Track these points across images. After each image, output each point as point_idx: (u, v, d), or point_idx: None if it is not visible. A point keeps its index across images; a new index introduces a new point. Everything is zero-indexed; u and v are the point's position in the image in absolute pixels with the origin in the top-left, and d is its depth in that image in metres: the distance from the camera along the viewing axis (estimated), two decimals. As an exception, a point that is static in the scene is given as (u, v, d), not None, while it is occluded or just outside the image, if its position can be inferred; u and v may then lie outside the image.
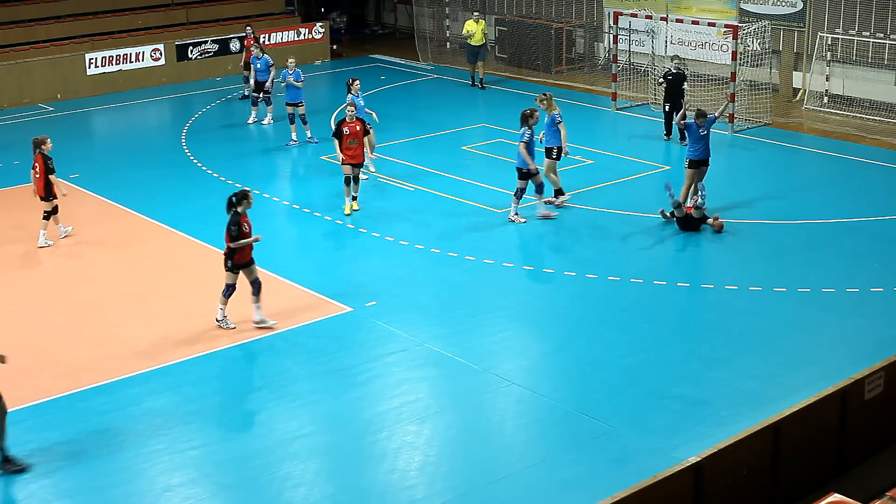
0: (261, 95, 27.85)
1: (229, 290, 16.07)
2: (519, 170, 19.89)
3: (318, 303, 17.12)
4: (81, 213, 22.03)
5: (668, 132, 25.75)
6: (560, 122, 20.64)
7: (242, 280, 15.97)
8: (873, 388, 11.62)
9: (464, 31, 31.93)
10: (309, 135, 26.15)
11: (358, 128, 20.78)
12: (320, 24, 36.76)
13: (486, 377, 14.68)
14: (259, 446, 13.17)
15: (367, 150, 21.60)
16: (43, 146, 19.68)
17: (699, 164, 19.91)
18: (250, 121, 28.24)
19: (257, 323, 16.16)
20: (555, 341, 15.90)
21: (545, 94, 21.17)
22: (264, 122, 28.17)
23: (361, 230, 20.21)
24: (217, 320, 16.18)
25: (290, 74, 25.64)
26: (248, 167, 24.62)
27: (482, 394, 14.35)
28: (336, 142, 20.71)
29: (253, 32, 30.38)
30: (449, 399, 14.29)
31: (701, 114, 19.99)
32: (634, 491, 9.31)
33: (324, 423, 13.70)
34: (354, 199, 21.06)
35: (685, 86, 25.47)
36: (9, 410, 13.82)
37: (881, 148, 25.00)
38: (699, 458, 9.99)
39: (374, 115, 23.68)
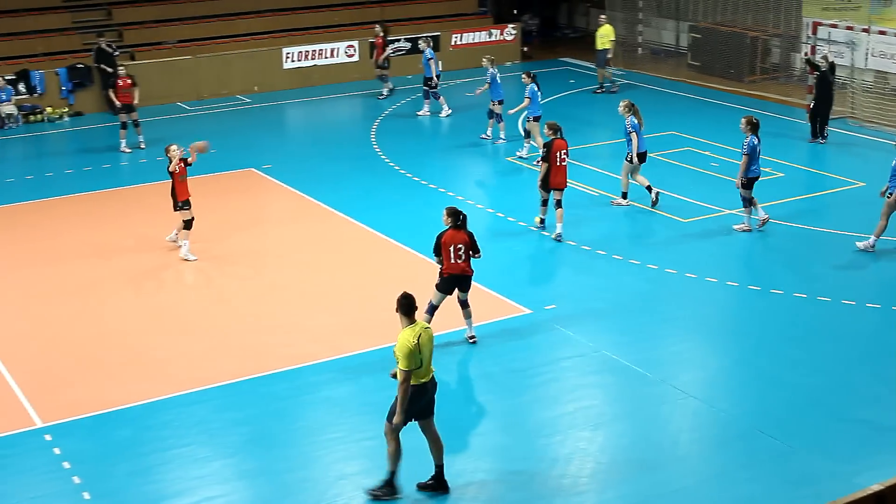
0: (429, 89, 29.19)
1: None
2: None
3: (498, 303, 17.20)
4: (272, 202, 22.70)
5: (815, 135, 25.95)
6: (632, 131, 20.98)
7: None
8: None
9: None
10: (502, 136, 26.39)
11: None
12: (512, 25, 36.92)
13: (663, 388, 14.50)
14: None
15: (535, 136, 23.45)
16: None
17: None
18: (421, 113, 29.44)
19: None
20: (735, 356, 15.61)
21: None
22: (441, 114, 29.23)
23: (544, 233, 20.20)
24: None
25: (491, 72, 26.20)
26: (434, 165, 24.89)
27: (658, 404, 14.19)
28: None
29: (382, 32, 31.62)
30: (623, 407, 14.19)
31: None
32: (812, 515, 9.10)
33: (498, 423, 13.77)
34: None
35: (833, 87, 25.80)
36: (197, 390, 14.43)
37: None
38: (882, 487, 9.68)
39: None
